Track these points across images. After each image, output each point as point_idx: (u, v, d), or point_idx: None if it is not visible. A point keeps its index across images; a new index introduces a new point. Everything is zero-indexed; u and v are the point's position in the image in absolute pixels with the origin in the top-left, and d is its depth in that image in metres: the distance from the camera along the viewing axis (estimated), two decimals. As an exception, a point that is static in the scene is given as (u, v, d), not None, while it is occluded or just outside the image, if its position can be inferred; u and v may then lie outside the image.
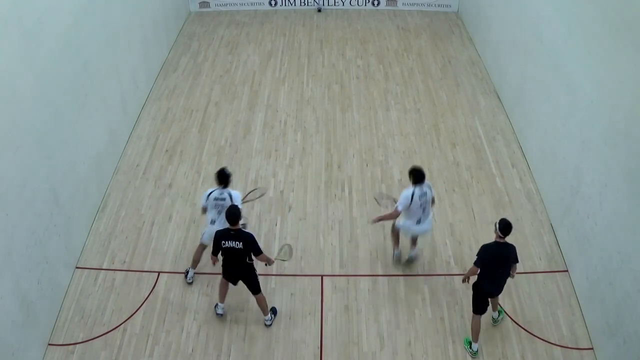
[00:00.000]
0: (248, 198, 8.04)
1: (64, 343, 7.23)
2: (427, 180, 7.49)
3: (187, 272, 7.92)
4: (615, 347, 6.64)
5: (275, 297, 7.76)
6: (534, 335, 7.31)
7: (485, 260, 6.65)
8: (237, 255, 6.73)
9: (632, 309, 6.38)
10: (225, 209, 6.74)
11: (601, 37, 7.38)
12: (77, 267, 8.13)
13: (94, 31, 8.88)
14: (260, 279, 7.98)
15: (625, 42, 6.76)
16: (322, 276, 8.09)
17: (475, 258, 6.72)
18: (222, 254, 6.82)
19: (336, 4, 15.14)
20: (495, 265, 6.67)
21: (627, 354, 6.40)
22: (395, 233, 7.96)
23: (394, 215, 7.54)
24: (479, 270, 6.74)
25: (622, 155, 6.78)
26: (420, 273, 8.12)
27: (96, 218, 8.88)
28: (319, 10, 15.05)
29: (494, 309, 7.32)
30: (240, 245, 6.63)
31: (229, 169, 7.42)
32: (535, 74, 9.58)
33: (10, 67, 6.50)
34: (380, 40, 13.68)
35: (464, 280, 7.08)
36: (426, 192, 7.41)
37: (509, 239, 6.58)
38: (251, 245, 6.67)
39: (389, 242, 8.50)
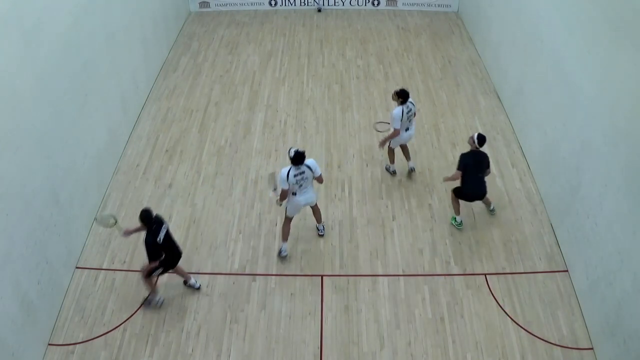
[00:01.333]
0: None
1: (64, 343, 7.23)
2: (410, 98, 8.67)
3: (281, 248, 8.27)
4: (615, 347, 6.64)
5: (275, 297, 7.77)
6: (534, 335, 7.31)
7: (467, 165, 8.07)
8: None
9: (632, 309, 6.38)
10: (305, 180, 7.69)
11: (601, 37, 7.38)
12: (77, 267, 8.14)
13: (94, 31, 8.88)
14: (260, 278, 8.02)
15: (626, 42, 6.76)
16: (322, 276, 8.09)
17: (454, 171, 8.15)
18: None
19: (336, 4, 15.14)
20: (475, 170, 8.10)
21: (627, 354, 6.40)
22: (391, 150, 9.38)
23: (395, 134, 8.82)
24: (460, 175, 8.11)
25: (622, 155, 6.78)
26: (420, 273, 8.12)
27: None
28: (319, 10, 15.05)
29: (488, 205, 8.85)
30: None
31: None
32: (535, 74, 9.58)
33: (10, 67, 6.51)
34: (380, 40, 13.68)
35: (445, 180, 8.37)
36: (410, 108, 8.74)
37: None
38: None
39: (389, 242, 8.52)
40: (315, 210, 8.44)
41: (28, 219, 6.86)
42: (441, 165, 9.86)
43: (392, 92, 8.91)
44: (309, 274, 8.13)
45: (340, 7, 15.16)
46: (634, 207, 6.45)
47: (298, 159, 7.52)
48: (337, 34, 13.96)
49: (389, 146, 9.32)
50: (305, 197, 7.89)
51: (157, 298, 7.63)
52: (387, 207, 9.09)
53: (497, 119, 10.94)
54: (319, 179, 7.89)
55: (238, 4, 15.04)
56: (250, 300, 7.73)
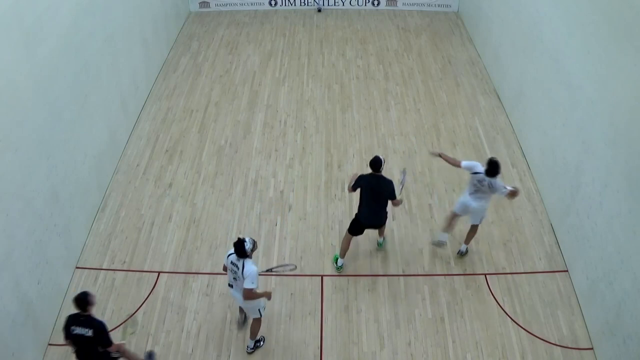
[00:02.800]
0: (277, 270, 7.24)
1: (64, 343, 7.21)
2: (498, 179, 7.38)
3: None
4: (615, 347, 6.64)
5: (275, 297, 7.76)
6: (534, 335, 7.31)
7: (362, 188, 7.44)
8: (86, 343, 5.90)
9: (632, 309, 6.38)
10: (236, 280, 6.42)
11: (601, 37, 7.38)
12: (77, 267, 8.13)
13: (94, 31, 8.88)
14: (261, 279, 7.98)
15: (625, 42, 6.76)
16: (322, 276, 8.09)
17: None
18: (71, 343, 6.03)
19: (336, 4, 15.14)
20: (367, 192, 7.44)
21: (627, 354, 6.40)
22: (453, 215, 8.00)
23: (456, 163, 7.69)
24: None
25: (622, 155, 6.78)
26: (420, 273, 8.12)
27: (96, 218, 8.89)
28: (319, 10, 15.05)
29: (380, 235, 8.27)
30: (90, 333, 5.82)
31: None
32: (535, 74, 9.58)
33: (10, 67, 6.50)
34: (380, 40, 13.68)
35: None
36: (487, 183, 7.37)
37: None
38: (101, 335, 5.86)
39: (389, 241, 8.51)
40: (254, 323, 6.94)
41: (28, 219, 6.85)
42: (441, 166, 9.84)
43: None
44: (309, 274, 8.12)
45: (340, 7, 15.16)
46: (634, 207, 6.45)
47: (236, 248, 6.29)
48: (337, 34, 13.96)
49: (453, 211, 8.00)
50: (236, 295, 6.64)
51: None
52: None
53: (497, 119, 10.94)
54: (244, 292, 6.36)
55: (238, 4, 15.04)
56: (250, 300, 7.73)
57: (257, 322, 6.90)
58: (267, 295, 6.72)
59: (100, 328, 5.85)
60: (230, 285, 6.65)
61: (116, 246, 8.45)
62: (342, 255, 8.01)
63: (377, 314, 7.59)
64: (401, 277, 8.06)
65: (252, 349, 7.12)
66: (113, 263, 8.22)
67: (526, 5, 10.12)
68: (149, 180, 9.61)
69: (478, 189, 7.51)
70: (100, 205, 9.08)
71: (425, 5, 14.93)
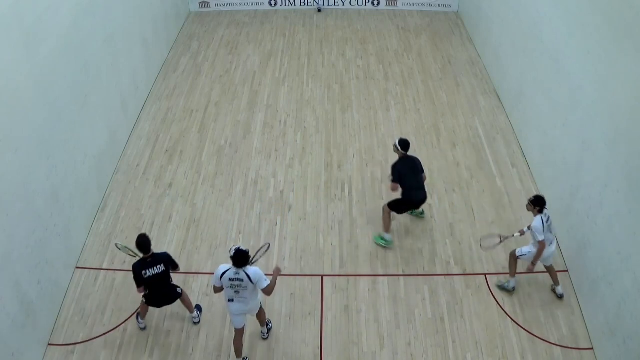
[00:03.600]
0: (256, 258, 6.82)
1: (64, 343, 7.23)
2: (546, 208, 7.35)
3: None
4: (615, 347, 6.64)
5: (275, 297, 7.75)
6: (534, 335, 7.31)
7: (402, 173, 7.89)
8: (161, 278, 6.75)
9: (632, 309, 6.38)
10: (243, 289, 6.33)
11: (601, 37, 7.38)
12: (77, 267, 8.13)
13: (94, 31, 8.88)
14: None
15: (626, 42, 6.76)
16: (322, 276, 8.09)
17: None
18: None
19: (336, 4, 15.14)
20: (409, 174, 7.90)
21: (627, 354, 6.40)
22: (516, 260, 7.69)
23: (542, 247, 7.27)
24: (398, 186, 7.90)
25: (622, 155, 6.78)
26: (420, 273, 8.12)
27: (96, 218, 8.89)
28: (319, 11, 15.05)
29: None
30: (162, 267, 6.71)
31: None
32: (535, 74, 9.57)
33: (10, 67, 6.50)
34: (380, 40, 13.68)
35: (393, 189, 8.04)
36: (549, 216, 7.35)
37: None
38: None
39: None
40: (260, 312, 6.94)
41: (28, 219, 6.85)
42: (441, 165, 9.86)
43: (527, 201, 7.54)
44: (309, 274, 8.12)
45: (340, 7, 15.15)
46: (634, 207, 6.44)
47: (239, 260, 6.21)
48: (337, 34, 13.96)
49: (516, 257, 7.66)
50: (240, 306, 6.48)
51: (140, 322, 7.31)
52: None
53: (497, 119, 10.94)
54: (266, 291, 6.36)
55: (238, 4, 15.04)
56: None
57: (262, 310, 6.92)
58: (278, 272, 6.63)
59: (167, 258, 6.78)
60: (231, 300, 6.43)
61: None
62: (388, 229, 8.33)
63: (377, 314, 7.59)
64: (401, 277, 8.06)
65: (267, 333, 7.28)
66: (113, 263, 8.22)
67: (526, 5, 10.12)
68: (149, 180, 9.61)
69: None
70: (100, 205, 9.08)
71: (425, 5, 14.93)
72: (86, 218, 8.64)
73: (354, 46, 13.45)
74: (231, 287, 6.32)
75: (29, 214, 6.88)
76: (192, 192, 9.39)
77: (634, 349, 6.29)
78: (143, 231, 8.63)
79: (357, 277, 8.07)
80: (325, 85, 12.03)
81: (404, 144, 8.03)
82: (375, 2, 15.06)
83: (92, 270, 8.13)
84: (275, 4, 15.09)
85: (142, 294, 6.83)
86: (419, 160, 8.16)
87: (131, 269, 6.73)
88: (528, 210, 7.52)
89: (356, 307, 7.69)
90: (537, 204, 7.33)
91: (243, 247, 6.29)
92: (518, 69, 10.48)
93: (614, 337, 6.69)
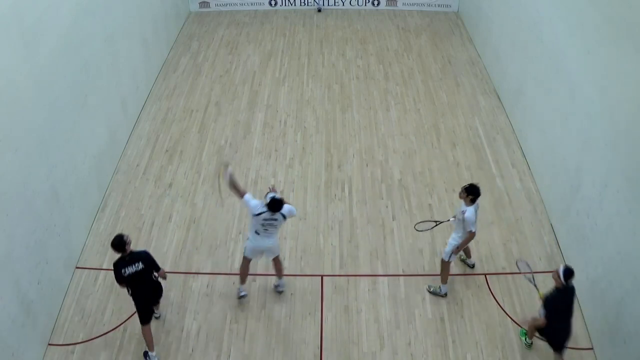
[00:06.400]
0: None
1: (64, 343, 7.23)
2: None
3: (239, 290, 7.67)
4: (615, 347, 6.64)
5: (275, 297, 7.76)
6: (534, 335, 7.30)
7: (556, 309, 6.48)
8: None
9: (632, 309, 6.38)
10: (274, 227, 7.09)
11: (601, 37, 7.38)
12: (77, 267, 8.13)
13: (94, 31, 8.88)
14: (260, 278, 8.01)
15: (626, 42, 6.76)
16: (322, 276, 8.09)
17: None
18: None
19: (336, 4, 15.14)
20: (564, 312, 6.50)
21: (627, 354, 6.40)
22: (448, 265, 7.61)
23: (471, 237, 7.31)
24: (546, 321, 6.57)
25: (622, 155, 6.78)
26: (420, 273, 8.12)
27: (96, 218, 8.89)
28: (319, 10, 15.05)
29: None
30: (140, 265, 6.60)
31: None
32: (535, 74, 9.58)
33: (10, 67, 6.50)
34: (380, 40, 13.68)
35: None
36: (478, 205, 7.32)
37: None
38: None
39: (389, 242, 8.52)
40: (277, 262, 7.56)
41: (28, 219, 6.85)
42: (441, 165, 9.86)
43: (460, 188, 7.35)
44: (309, 274, 8.12)
45: (340, 7, 15.16)
46: (634, 207, 6.44)
47: (275, 206, 6.88)
48: (337, 34, 13.96)
49: (447, 260, 7.53)
50: (267, 242, 7.17)
51: (151, 356, 7.02)
52: (387, 207, 9.09)
53: (497, 119, 10.94)
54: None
55: (238, 4, 15.04)
56: (250, 300, 7.72)
57: (279, 260, 7.57)
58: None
59: (146, 255, 6.68)
60: (257, 233, 7.07)
61: (116, 246, 8.44)
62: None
63: (377, 314, 7.59)
64: (401, 277, 8.06)
65: (283, 287, 7.75)
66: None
67: (526, 5, 10.12)
68: (149, 180, 9.61)
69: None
70: (100, 205, 9.08)
71: (425, 5, 14.93)
72: (86, 218, 8.64)
73: (354, 46, 13.45)
74: (262, 224, 7.01)
75: (29, 214, 6.88)
76: (192, 192, 9.39)
77: (634, 349, 6.29)
78: (143, 231, 8.66)
79: (357, 277, 8.07)
80: (325, 85, 12.03)
81: (568, 273, 6.35)
82: (375, 2, 15.06)
83: (92, 270, 8.13)
84: (275, 4, 15.09)
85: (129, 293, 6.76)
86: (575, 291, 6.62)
87: None
88: (460, 198, 7.27)
89: (356, 307, 7.69)
90: (472, 192, 7.08)
91: (277, 196, 6.92)
92: (518, 69, 10.48)
93: (614, 337, 6.69)
